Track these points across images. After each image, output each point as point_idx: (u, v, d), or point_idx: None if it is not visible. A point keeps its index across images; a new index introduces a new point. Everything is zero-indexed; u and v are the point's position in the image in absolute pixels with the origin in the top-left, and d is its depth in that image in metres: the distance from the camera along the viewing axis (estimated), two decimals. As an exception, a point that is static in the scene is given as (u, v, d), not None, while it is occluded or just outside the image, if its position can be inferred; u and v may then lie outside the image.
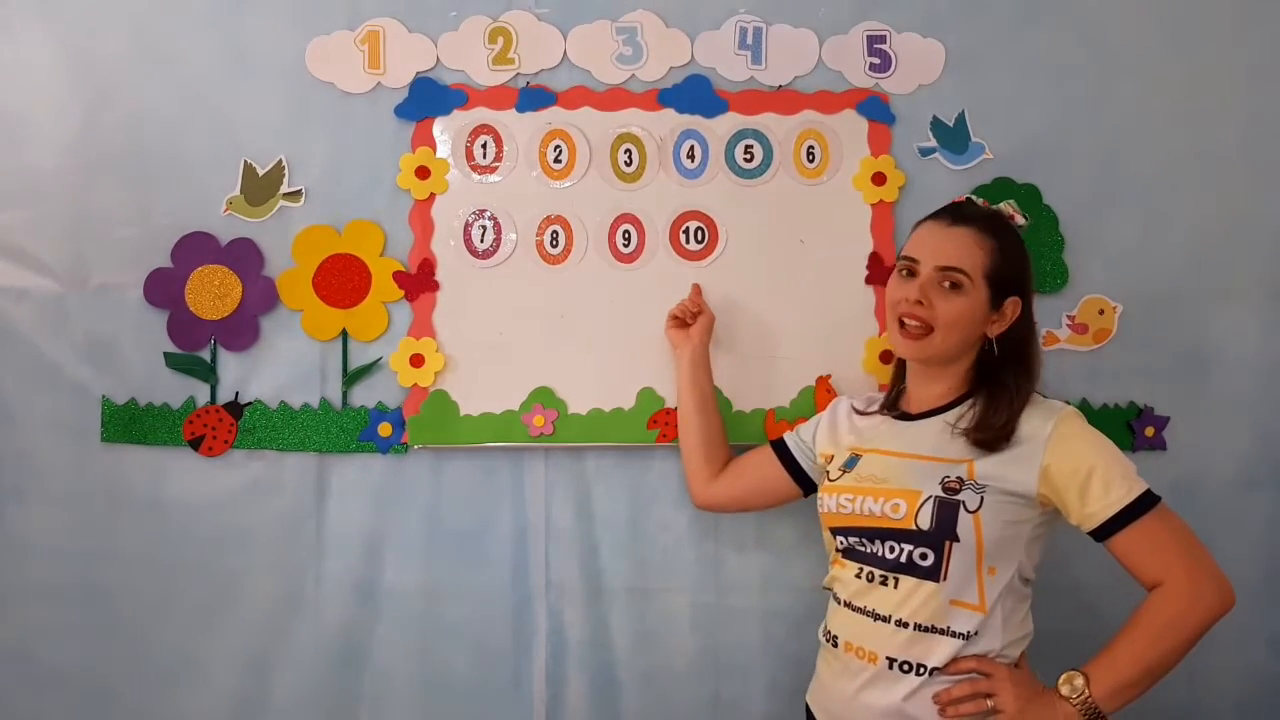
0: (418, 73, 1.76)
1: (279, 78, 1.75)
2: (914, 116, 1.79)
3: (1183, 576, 1.25)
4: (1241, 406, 1.81)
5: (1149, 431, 1.78)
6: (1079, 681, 1.25)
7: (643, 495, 1.78)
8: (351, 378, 1.75)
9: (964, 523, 1.28)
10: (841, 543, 1.43)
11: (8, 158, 1.75)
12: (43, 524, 1.73)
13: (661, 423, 1.75)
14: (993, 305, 1.38)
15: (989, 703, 1.27)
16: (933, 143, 1.79)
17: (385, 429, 1.73)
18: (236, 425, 1.73)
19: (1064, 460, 1.28)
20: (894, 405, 1.50)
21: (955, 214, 1.42)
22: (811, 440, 1.58)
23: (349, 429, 1.74)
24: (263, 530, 1.74)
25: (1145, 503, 1.27)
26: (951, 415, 1.39)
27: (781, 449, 1.62)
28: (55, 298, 1.74)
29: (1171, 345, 1.80)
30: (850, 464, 1.45)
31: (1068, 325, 1.79)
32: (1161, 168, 1.80)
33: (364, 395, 1.75)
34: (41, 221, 1.74)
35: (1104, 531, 1.28)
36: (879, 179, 1.78)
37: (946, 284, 1.36)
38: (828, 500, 1.45)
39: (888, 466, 1.40)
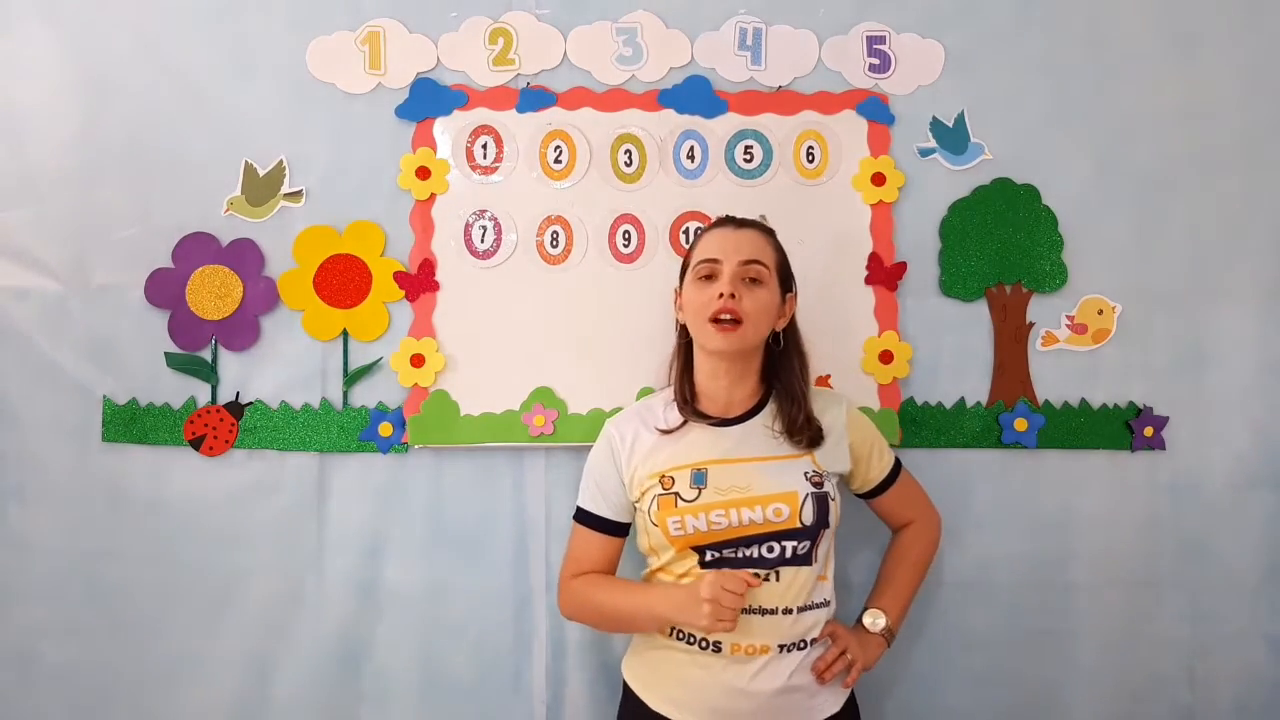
0: (418, 73, 1.77)
1: (280, 78, 1.76)
2: (913, 117, 1.79)
3: (929, 516, 1.64)
4: (1240, 406, 1.80)
5: (1148, 431, 1.78)
6: (882, 620, 1.54)
7: (642, 495, 1.78)
8: (352, 378, 1.75)
9: (832, 510, 1.45)
10: (710, 556, 1.43)
11: (9, 158, 1.76)
12: (44, 523, 1.74)
13: (661, 422, 1.75)
14: (781, 299, 1.50)
15: (848, 657, 1.48)
16: (932, 143, 1.79)
17: (386, 429, 1.74)
18: (237, 425, 1.74)
19: (859, 439, 1.54)
20: (695, 412, 1.50)
21: (735, 221, 1.52)
22: (621, 483, 1.51)
23: (350, 429, 1.74)
24: (264, 530, 1.75)
25: (898, 464, 1.60)
26: (767, 416, 1.50)
27: (592, 520, 1.53)
28: (57, 298, 1.74)
29: (1170, 345, 1.80)
30: (699, 479, 1.44)
31: (1067, 325, 1.79)
32: (1160, 167, 1.81)
33: (364, 395, 1.75)
34: (43, 221, 1.75)
35: (876, 490, 1.58)
36: (878, 179, 1.78)
37: (749, 278, 1.46)
38: (692, 521, 1.42)
39: (743, 474, 1.44)
